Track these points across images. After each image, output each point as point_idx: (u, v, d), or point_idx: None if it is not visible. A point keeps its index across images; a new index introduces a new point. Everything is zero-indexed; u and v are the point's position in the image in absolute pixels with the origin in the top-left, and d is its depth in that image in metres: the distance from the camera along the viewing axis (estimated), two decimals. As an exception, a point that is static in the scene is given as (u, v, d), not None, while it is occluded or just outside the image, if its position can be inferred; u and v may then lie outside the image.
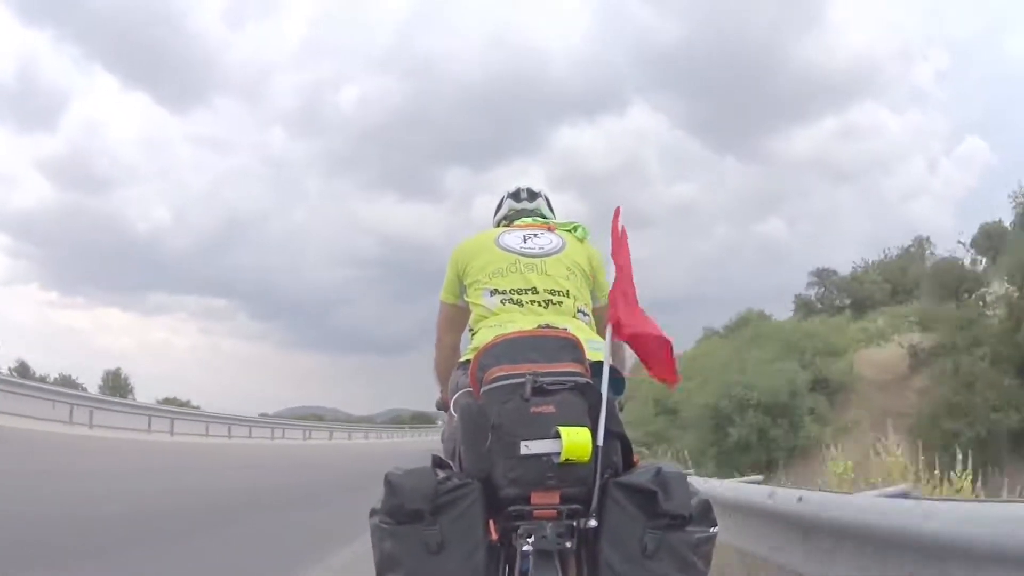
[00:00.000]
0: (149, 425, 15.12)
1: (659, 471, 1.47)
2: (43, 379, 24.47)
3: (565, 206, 2.32)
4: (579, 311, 1.88)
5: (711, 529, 1.46)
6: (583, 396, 1.48)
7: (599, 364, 1.56)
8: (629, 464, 1.56)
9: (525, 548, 1.42)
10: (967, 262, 21.62)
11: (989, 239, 22.08)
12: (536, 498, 1.43)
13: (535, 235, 2.01)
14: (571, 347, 1.57)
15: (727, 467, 15.47)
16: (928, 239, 30.34)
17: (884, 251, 32.34)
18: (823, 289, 32.61)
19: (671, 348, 1.64)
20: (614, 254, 1.68)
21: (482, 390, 1.52)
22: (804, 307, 31.34)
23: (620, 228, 1.67)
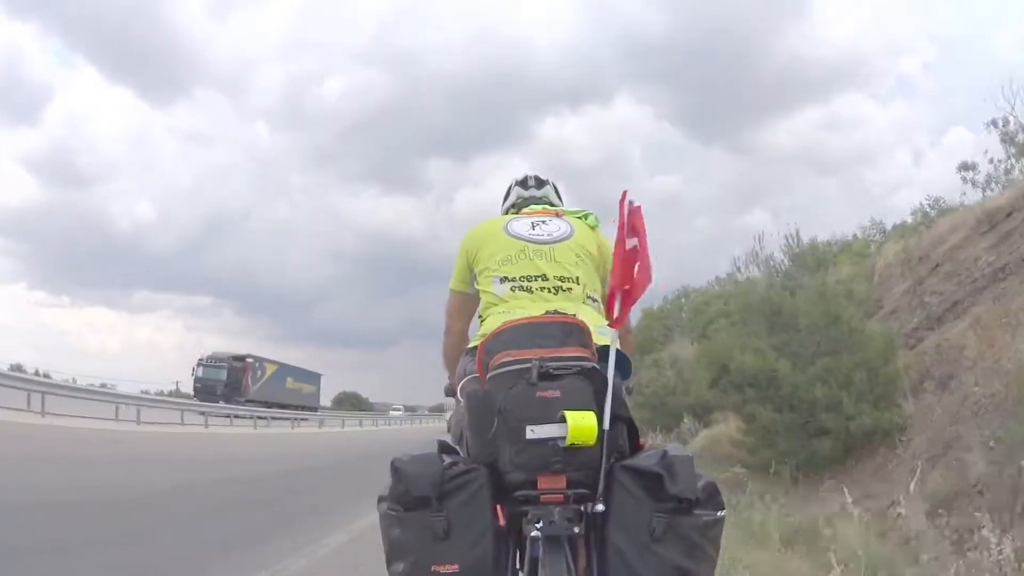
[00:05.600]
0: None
1: (665, 454, 1.46)
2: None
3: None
4: (589, 297, 1.87)
5: (718, 512, 1.45)
6: (589, 380, 1.47)
7: (607, 349, 1.55)
8: (635, 448, 1.55)
9: (534, 533, 1.42)
10: None
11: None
12: (543, 482, 1.43)
13: (544, 222, 1.99)
14: (578, 332, 1.56)
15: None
16: None
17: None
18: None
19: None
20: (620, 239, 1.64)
21: (488, 375, 1.52)
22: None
23: (628, 207, 1.63)
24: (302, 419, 32.37)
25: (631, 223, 1.61)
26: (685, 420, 13.14)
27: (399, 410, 60.62)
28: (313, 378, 45.83)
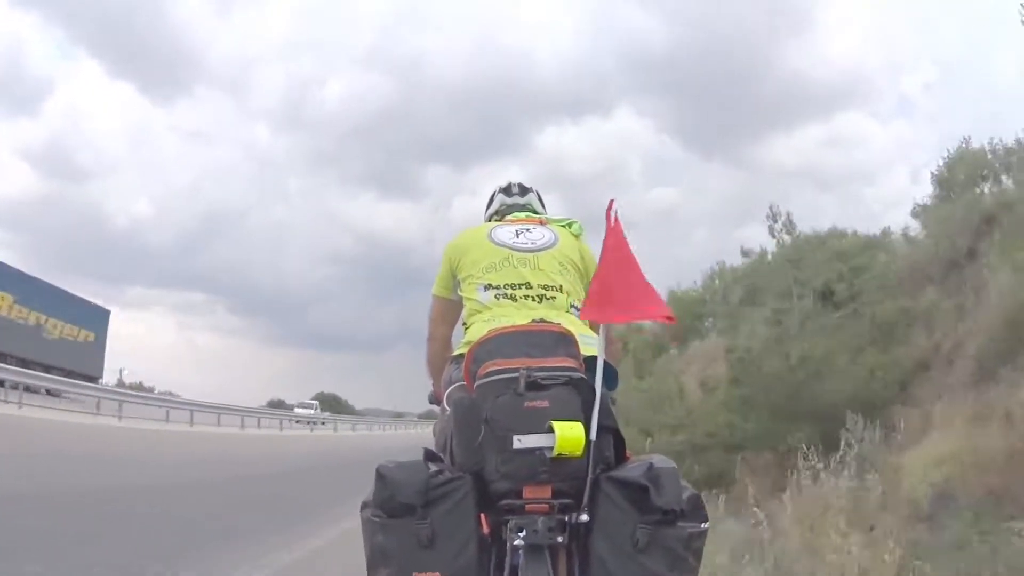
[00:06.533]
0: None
1: (651, 466, 1.46)
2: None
3: (548, 207, 2.33)
4: (572, 306, 1.88)
5: (702, 524, 1.46)
6: (577, 391, 1.48)
7: (593, 359, 1.56)
8: (622, 459, 1.55)
9: (516, 542, 1.42)
10: None
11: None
12: (528, 492, 1.43)
13: (528, 230, 2.01)
14: (565, 341, 1.57)
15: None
16: None
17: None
18: None
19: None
20: (606, 246, 1.66)
21: (476, 384, 1.52)
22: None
23: (613, 219, 1.64)
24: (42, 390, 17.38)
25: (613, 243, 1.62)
26: (854, 427, 5.74)
27: (309, 408, 39.75)
28: (85, 315, 24.82)
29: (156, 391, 29.42)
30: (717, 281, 17.32)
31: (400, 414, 59.74)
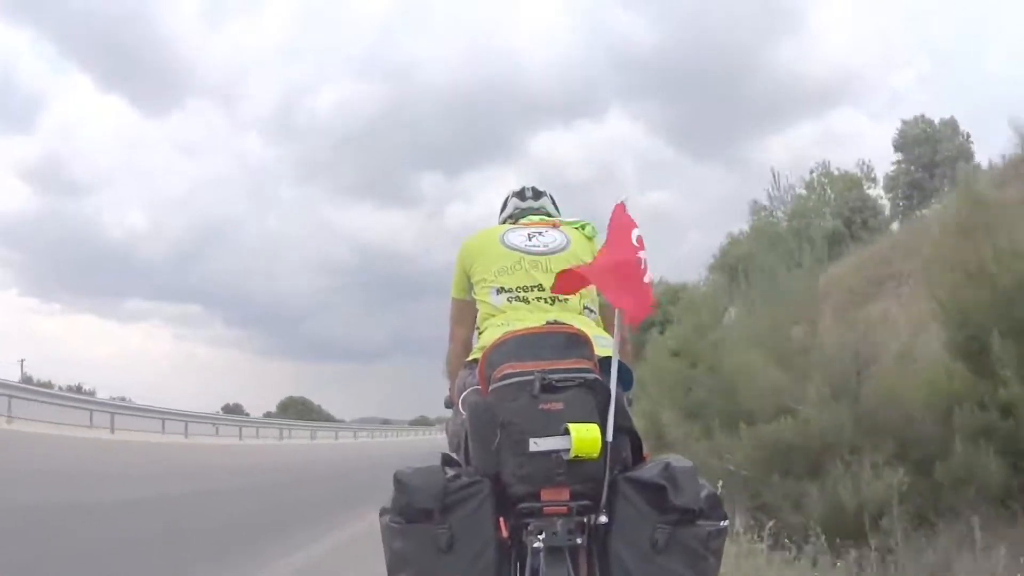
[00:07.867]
0: None
1: (668, 465, 1.46)
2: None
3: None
4: (585, 308, 1.89)
5: (721, 523, 1.46)
6: (592, 392, 1.47)
7: (608, 360, 1.56)
8: (639, 459, 1.56)
9: (536, 545, 1.42)
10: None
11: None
12: (546, 495, 1.43)
13: (540, 233, 2.01)
14: (580, 343, 1.57)
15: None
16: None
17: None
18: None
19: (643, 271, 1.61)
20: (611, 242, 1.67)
21: (490, 388, 1.52)
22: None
23: (624, 219, 1.65)
24: None
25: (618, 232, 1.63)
26: None
27: None
28: None
29: (97, 394, 24.11)
30: (820, 192, 13.48)
31: (388, 421, 57.36)
